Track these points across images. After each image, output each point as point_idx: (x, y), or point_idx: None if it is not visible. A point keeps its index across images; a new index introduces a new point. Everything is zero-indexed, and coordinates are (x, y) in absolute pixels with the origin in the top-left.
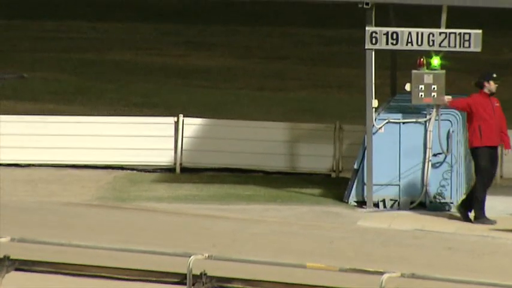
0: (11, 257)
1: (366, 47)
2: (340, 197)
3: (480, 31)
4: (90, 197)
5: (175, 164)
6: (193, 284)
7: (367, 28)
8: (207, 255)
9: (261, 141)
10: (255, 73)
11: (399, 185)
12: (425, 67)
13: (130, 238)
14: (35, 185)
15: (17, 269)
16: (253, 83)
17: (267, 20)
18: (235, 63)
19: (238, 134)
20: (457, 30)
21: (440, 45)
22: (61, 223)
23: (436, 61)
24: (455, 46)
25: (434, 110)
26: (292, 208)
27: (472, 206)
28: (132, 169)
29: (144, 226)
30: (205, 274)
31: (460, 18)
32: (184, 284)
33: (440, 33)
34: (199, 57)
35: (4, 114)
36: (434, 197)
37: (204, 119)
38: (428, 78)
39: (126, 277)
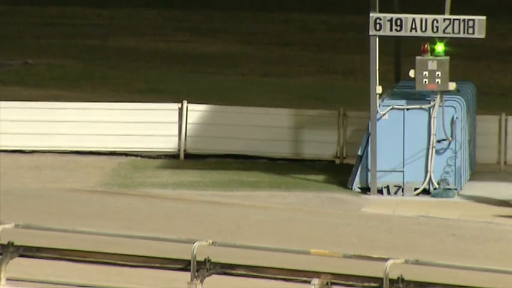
0: (15, 243)
1: (370, 33)
2: (344, 183)
3: (484, 17)
4: (94, 183)
5: (179, 150)
6: (197, 270)
7: (371, 14)
8: (211, 242)
9: (266, 127)
10: (259, 59)
11: (403, 172)
12: (429, 53)
13: (134, 224)
14: (39, 171)
15: (21, 255)
16: (257, 69)
17: (271, 6)
18: (240, 49)
19: (243, 120)
20: (461, 17)
21: (444, 32)
22: (65, 209)
23: (440, 47)
24: (459, 32)
25: (439, 96)
26: (297, 194)
27: None
28: (136, 155)
29: (148, 212)
30: (209, 260)
31: (464, 4)
32: (188, 270)
33: (444, 20)
34: (204, 43)
35: (9, 100)
36: (439, 184)
37: (208, 106)
38: (432, 65)
39: (130, 263)
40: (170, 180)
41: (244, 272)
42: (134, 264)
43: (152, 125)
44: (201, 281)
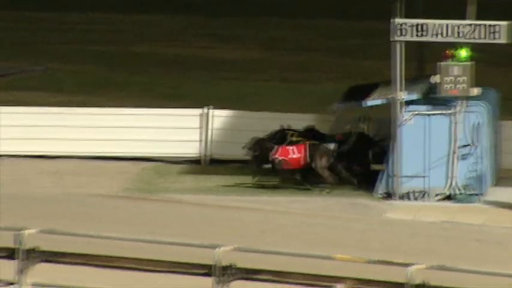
0: (40, 249)
1: (393, 39)
2: (367, 189)
3: (508, 22)
4: (117, 189)
5: (202, 155)
6: (220, 276)
7: (393, 20)
8: (234, 247)
9: None
10: (280, 65)
11: (426, 177)
12: (453, 59)
13: (157, 229)
14: (62, 176)
15: (45, 261)
16: (279, 75)
17: (292, 12)
18: (261, 55)
19: (264, 125)
20: (485, 22)
21: (468, 37)
22: (88, 215)
23: (463, 53)
24: (483, 38)
25: (462, 102)
26: (318, 200)
27: None
28: (159, 161)
29: (172, 218)
30: (232, 266)
31: (488, 10)
32: (211, 275)
33: (468, 25)
34: (226, 49)
35: (32, 106)
36: (462, 189)
37: (230, 111)
38: (455, 70)
39: (153, 268)
40: (193, 186)
41: (267, 277)
42: (157, 269)
43: (175, 130)
44: (224, 287)
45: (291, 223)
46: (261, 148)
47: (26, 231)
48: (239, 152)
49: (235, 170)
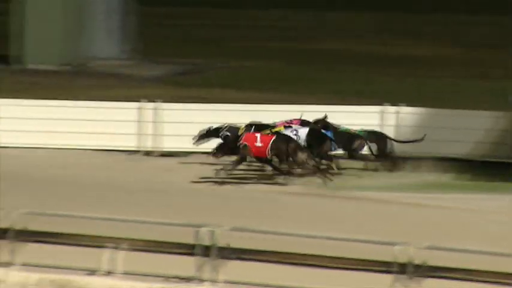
0: (231, 246)
1: None
2: None
3: None
4: (295, 186)
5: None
6: (411, 273)
7: None
8: (418, 245)
9: (466, 129)
10: (471, 62)
11: None
12: None
13: (336, 226)
14: (235, 172)
15: (238, 258)
16: (469, 71)
17: (478, 9)
18: (449, 52)
19: (453, 123)
20: None
21: None
22: (268, 212)
23: None
24: None
25: None
26: (498, 198)
27: None
28: (339, 157)
29: (351, 214)
30: (419, 264)
31: None
32: (395, 272)
33: None
34: (414, 46)
35: (210, 102)
36: None
37: (417, 108)
38: None
39: (341, 266)
40: (372, 183)
41: (455, 275)
42: (338, 266)
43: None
44: (413, 284)
45: (474, 220)
46: (230, 136)
47: (218, 229)
48: (426, 148)
49: (415, 167)
